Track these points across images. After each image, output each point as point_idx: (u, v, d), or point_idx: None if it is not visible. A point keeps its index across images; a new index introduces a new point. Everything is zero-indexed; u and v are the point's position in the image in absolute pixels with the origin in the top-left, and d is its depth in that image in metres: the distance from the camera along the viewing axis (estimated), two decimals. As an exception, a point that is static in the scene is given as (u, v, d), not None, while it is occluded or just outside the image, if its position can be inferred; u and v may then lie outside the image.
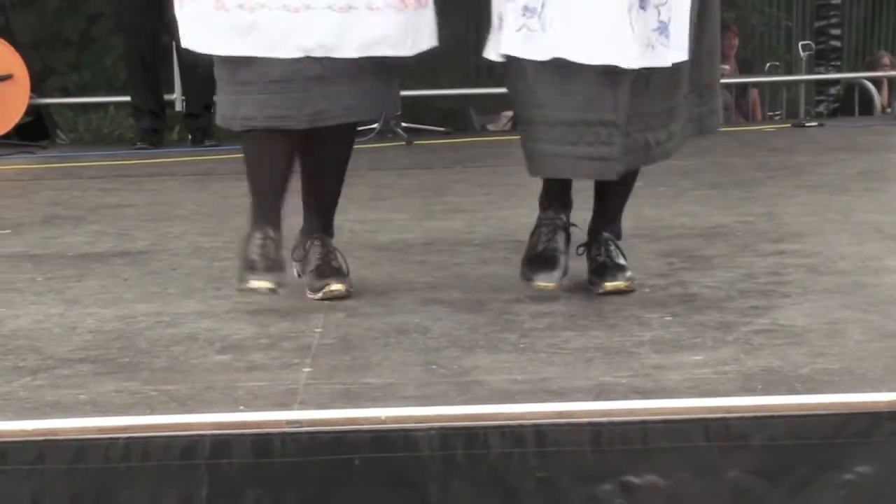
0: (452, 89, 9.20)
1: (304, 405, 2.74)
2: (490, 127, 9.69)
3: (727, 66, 10.64)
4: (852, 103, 10.21)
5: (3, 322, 3.53)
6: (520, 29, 3.48)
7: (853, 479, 2.60)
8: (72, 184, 6.39)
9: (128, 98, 8.39)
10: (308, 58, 3.48)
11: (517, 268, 3.91)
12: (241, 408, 2.73)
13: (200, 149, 7.70)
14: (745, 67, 11.57)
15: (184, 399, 2.80)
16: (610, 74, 3.42)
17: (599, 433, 2.60)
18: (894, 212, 4.94)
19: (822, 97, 10.56)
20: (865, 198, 5.25)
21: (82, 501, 2.58)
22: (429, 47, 3.67)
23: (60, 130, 9.43)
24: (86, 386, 2.90)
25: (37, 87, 8.79)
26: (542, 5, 3.44)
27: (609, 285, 3.65)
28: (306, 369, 3.01)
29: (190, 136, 8.24)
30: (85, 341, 3.30)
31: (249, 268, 3.54)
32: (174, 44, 7.91)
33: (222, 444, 2.59)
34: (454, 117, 9.30)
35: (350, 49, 3.51)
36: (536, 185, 3.80)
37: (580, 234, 3.77)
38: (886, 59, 10.97)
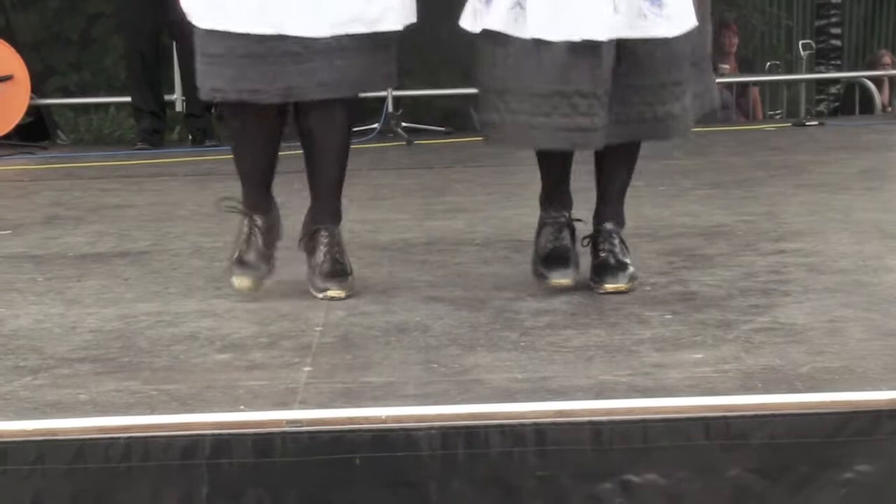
0: (453, 89, 9.21)
1: (305, 404, 2.74)
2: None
3: (727, 66, 10.65)
4: (853, 102, 10.22)
5: (4, 322, 3.53)
6: (512, 7, 3.49)
7: (853, 477, 2.60)
8: (72, 184, 6.39)
9: (128, 98, 8.40)
10: (282, 35, 3.49)
11: (518, 266, 3.91)
12: (242, 407, 2.73)
13: (201, 149, 7.71)
14: (745, 67, 11.58)
15: (184, 399, 2.80)
16: (586, 45, 3.43)
17: (600, 432, 2.60)
18: (895, 211, 4.94)
19: (822, 96, 10.58)
20: (866, 197, 5.25)
21: (83, 501, 2.58)
22: (407, 23, 3.63)
23: (61, 131, 9.44)
24: (86, 386, 2.90)
25: (37, 88, 8.80)
26: None
27: (610, 286, 3.65)
28: (306, 368, 3.01)
29: (190, 137, 8.25)
30: (85, 341, 3.30)
31: (236, 261, 3.70)
32: (174, 44, 7.93)
33: (223, 444, 2.59)
34: (455, 117, 9.30)
35: (324, 27, 3.51)
36: (537, 184, 3.81)
37: (584, 227, 3.77)
38: (887, 59, 10.97)
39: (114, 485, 2.57)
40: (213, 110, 7.92)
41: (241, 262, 3.69)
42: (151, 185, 6.35)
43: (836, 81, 10.58)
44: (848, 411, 2.62)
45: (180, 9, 3.63)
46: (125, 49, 8.41)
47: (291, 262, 3.78)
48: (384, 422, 2.62)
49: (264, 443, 2.59)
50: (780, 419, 2.61)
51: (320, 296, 3.65)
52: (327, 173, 3.73)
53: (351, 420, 2.63)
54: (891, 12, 11.99)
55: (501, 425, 2.61)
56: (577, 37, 3.43)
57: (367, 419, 2.63)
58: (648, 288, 3.70)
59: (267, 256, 3.70)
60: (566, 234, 3.71)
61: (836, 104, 10.48)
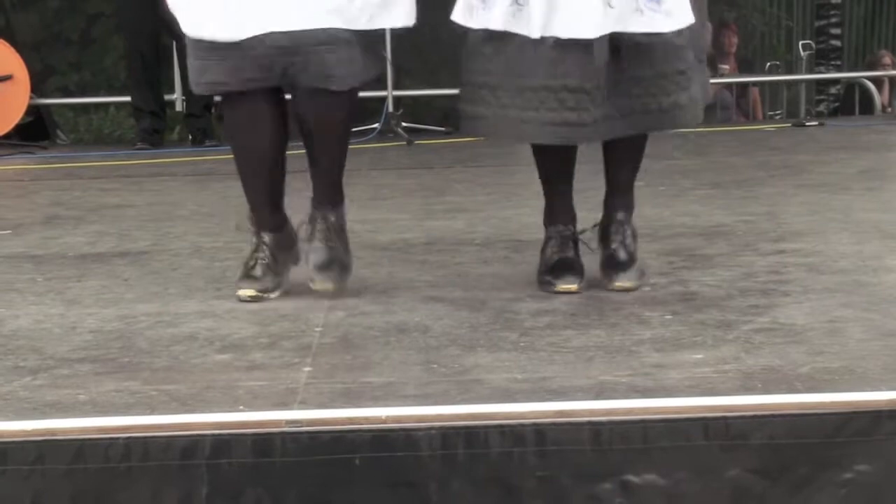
0: (453, 89, 9.19)
1: (305, 405, 2.74)
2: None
3: (727, 66, 10.66)
4: (853, 102, 10.22)
5: (4, 322, 3.53)
6: (511, 4, 3.50)
7: (853, 477, 2.60)
8: (72, 184, 6.39)
9: (128, 98, 8.41)
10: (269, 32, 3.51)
11: (518, 267, 3.91)
12: (242, 408, 2.73)
13: (201, 149, 7.71)
14: (745, 67, 11.58)
15: (184, 399, 2.80)
16: (575, 41, 3.44)
17: (599, 432, 2.60)
18: (894, 211, 4.95)
19: (822, 96, 10.58)
20: (866, 197, 5.25)
21: (82, 501, 2.58)
22: (399, 26, 3.63)
23: (61, 131, 9.44)
24: (86, 386, 2.90)
25: (37, 88, 8.81)
26: None
27: (618, 284, 3.66)
28: (306, 369, 3.01)
29: (190, 137, 8.26)
30: (85, 341, 3.30)
31: (241, 276, 3.69)
32: (174, 44, 7.93)
33: (222, 444, 2.59)
34: (455, 117, 9.29)
35: (306, 20, 3.50)
36: (537, 184, 3.81)
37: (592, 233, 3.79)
38: (887, 59, 10.97)
39: (113, 485, 2.57)
40: (213, 110, 7.93)
41: (246, 276, 3.68)
42: (151, 185, 6.36)
43: (836, 82, 10.59)
44: (848, 412, 2.62)
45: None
46: (125, 49, 8.41)
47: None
48: (384, 422, 2.62)
49: (264, 443, 2.59)
50: (780, 419, 2.61)
51: (312, 285, 3.64)
52: (324, 158, 3.69)
53: (351, 420, 2.63)
54: (891, 12, 11.99)
55: (501, 425, 2.61)
56: (565, 35, 3.45)
57: (366, 419, 2.63)
58: (648, 288, 3.70)
59: (274, 271, 3.69)
60: (571, 246, 3.73)
61: (836, 104, 10.48)
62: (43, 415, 2.71)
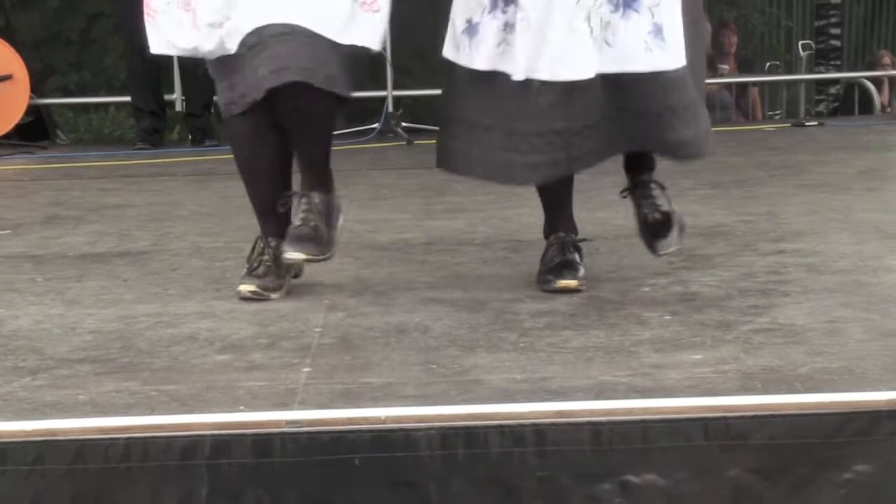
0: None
1: (304, 405, 2.74)
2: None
3: (727, 66, 10.66)
4: (852, 102, 10.23)
5: (3, 322, 3.53)
6: (499, 44, 3.51)
7: (853, 477, 2.60)
8: (72, 184, 6.39)
9: (128, 98, 8.41)
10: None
11: (517, 267, 3.91)
12: (241, 408, 2.73)
13: (201, 149, 7.72)
14: (745, 67, 11.59)
15: (184, 399, 2.80)
16: (561, 83, 3.46)
17: (599, 432, 2.60)
18: (894, 211, 4.95)
19: (822, 96, 10.59)
20: (866, 197, 5.26)
21: (82, 502, 2.58)
22: (360, 44, 3.59)
23: (60, 131, 9.45)
24: (86, 386, 2.90)
25: (37, 88, 8.81)
26: (517, 22, 3.47)
27: (661, 252, 3.68)
28: (306, 369, 3.01)
29: (190, 137, 8.26)
30: (85, 342, 3.30)
31: (244, 275, 3.70)
32: (174, 44, 7.91)
33: (222, 445, 2.59)
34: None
35: (273, 15, 3.51)
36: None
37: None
38: (886, 59, 10.98)
39: (113, 485, 2.57)
40: (213, 110, 7.93)
41: (248, 274, 3.69)
42: (151, 184, 6.36)
43: (835, 82, 10.59)
44: (847, 412, 2.62)
45: None
46: (125, 49, 8.41)
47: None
48: (384, 422, 2.62)
49: (264, 443, 2.59)
50: (780, 420, 2.61)
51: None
52: (303, 151, 3.69)
53: (350, 420, 2.63)
54: (890, 13, 11.99)
55: (501, 426, 2.61)
56: (549, 78, 3.45)
57: (366, 420, 2.63)
58: (648, 288, 3.71)
59: (276, 274, 3.69)
60: (571, 250, 3.73)
61: (836, 104, 10.48)
62: (43, 415, 2.71)
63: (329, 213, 3.71)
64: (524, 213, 4.60)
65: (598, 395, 2.75)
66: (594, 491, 2.59)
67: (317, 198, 3.69)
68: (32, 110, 8.55)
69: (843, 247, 4.21)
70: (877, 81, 10.31)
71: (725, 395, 2.72)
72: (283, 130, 3.63)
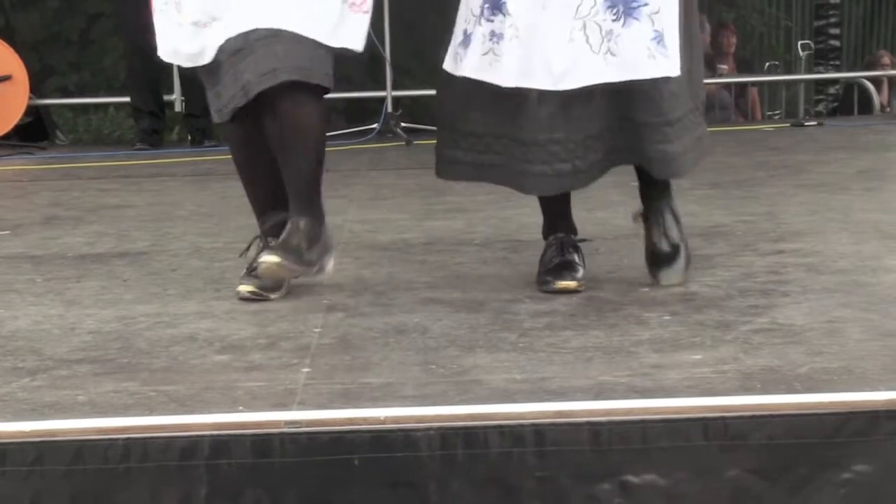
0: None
1: (303, 405, 2.74)
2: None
3: (726, 66, 10.66)
4: (851, 103, 10.22)
5: (3, 323, 3.53)
6: (486, 53, 3.51)
7: (852, 477, 2.60)
8: (71, 184, 6.39)
9: (127, 99, 8.40)
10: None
11: (517, 267, 3.91)
12: (241, 408, 2.73)
13: (200, 149, 7.71)
14: (744, 67, 11.58)
15: (183, 399, 2.80)
16: (553, 93, 3.46)
17: (598, 432, 2.60)
18: (894, 211, 4.95)
19: (821, 96, 10.58)
20: (865, 197, 5.25)
21: (82, 502, 2.58)
22: (349, 47, 3.60)
23: (60, 131, 9.43)
24: (85, 387, 2.90)
25: (36, 88, 8.80)
26: (505, 31, 3.47)
27: (664, 282, 3.69)
28: (305, 369, 3.01)
29: (189, 137, 8.25)
30: (84, 342, 3.30)
31: (245, 272, 3.70)
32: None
33: (221, 445, 2.59)
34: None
35: (256, 21, 3.51)
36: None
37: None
38: (886, 59, 10.97)
39: (112, 486, 2.57)
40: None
41: (248, 274, 3.69)
42: (150, 185, 6.35)
43: (834, 82, 10.58)
44: (846, 412, 2.62)
45: None
46: (124, 49, 8.40)
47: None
48: (383, 422, 2.62)
49: (263, 444, 2.59)
50: (779, 420, 2.61)
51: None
52: (287, 167, 3.64)
53: (350, 421, 2.63)
54: (890, 13, 11.99)
55: (500, 426, 2.61)
56: (539, 87, 3.46)
57: (365, 420, 2.63)
58: (647, 289, 3.70)
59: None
60: (570, 250, 3.73)
61: (835, 104, 10.47)
62: (42, 416, 2.71)
63: (315, 238, 3.66)
64: (524, 213, 4.59)
65: (598, 396, 2.75)
66: (593, 491, 2.59)
67: (302, 223, 3.64)
68: (32, 111, 8.54)
69: (842, 247, 4.21)
70: (876, 81, 10.30)
71: (725, 396, 2.72)
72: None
